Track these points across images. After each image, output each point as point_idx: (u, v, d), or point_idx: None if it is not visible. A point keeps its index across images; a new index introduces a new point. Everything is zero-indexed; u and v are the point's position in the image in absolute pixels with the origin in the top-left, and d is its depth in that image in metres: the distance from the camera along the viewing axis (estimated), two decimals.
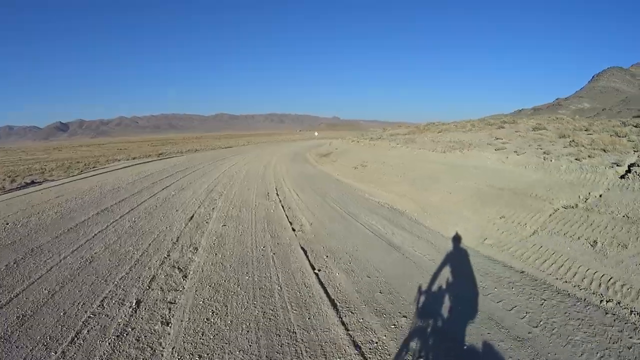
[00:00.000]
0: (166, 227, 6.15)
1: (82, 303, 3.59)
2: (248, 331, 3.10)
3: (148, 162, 19.57)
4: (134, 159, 22.02)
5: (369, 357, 2.78)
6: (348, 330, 3.14)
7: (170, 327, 3.19)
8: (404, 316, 3.35)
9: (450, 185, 8.48)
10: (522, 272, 4.22)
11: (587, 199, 5.77)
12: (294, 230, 6.07)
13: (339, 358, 2.77)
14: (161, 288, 3.94)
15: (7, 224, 6.56)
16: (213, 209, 7.53)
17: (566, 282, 3.93)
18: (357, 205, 7.95)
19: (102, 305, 3.55)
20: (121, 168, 16.58)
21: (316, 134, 69.73)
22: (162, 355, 2.80)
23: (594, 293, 3.64)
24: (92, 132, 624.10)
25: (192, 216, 6.91)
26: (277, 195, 8.99)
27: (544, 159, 9.10)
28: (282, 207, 7.71)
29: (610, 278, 3.83)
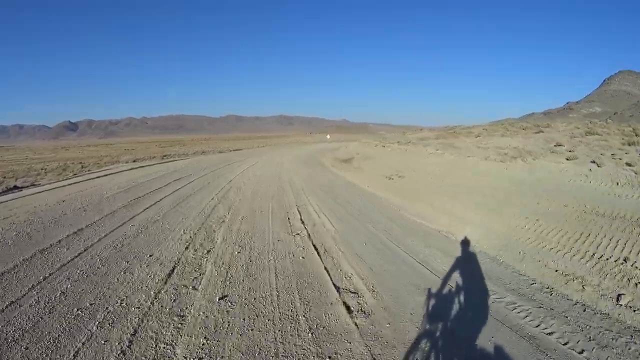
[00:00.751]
0: (120, 301, 3.45)
1: None
2: None
3: (149, 165, 17.17)
4: (134, 161, 19.60)
5: None
6: None
7: None
8: None
9: (531, 208, 6.07)
10: None
11: None
12: (348, 309, 3.35)
13: None
14: None
15: None
16: (208, 252, 4.83)
17: None
18: (414, 237, 5.42)
19: None
20: (115, 173, 14.14)
21: (328, 136, 67.80)
22: None
23: None
24: (101, 132, 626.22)
25: (172, 271, 4.20)
26: (302, 222, 6.27)
27: (635, 173, 6.93)
28: (314, 247, 5.00)
29: None
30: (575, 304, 3.54)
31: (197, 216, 6.71)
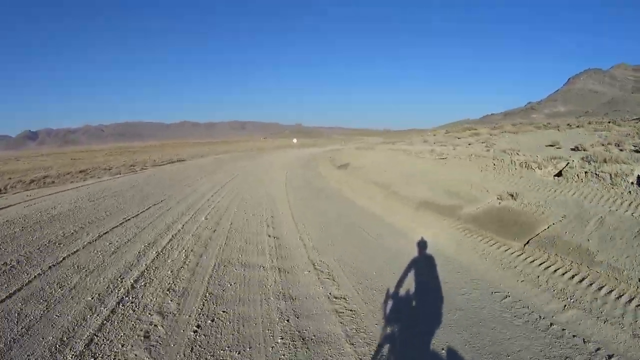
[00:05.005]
0: None
1: None
2: None
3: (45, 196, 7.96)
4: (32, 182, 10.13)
5: None
6: None
7: None
8: None
9: None
10: None
11: None
12: None
13: None
14: None
15: None
16: None
17: None
18: None
19: None
20: None
21: (295, 140, 63.15)
22: None
23: None
24: (60, 140, 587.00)
25: None
26: None
27: None
28: None
29: None
30: None
31: None
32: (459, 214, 5.47)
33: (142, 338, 2.71)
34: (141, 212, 6.67)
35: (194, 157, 25.28)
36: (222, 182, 10.88)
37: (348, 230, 5.55)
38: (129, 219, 6.17)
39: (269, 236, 5.19)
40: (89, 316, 2.99)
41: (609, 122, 13.80)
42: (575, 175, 5.68)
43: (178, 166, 17.90)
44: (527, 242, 4.50)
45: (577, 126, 13.08)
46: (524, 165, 6.38)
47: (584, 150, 7.18)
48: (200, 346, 2.64)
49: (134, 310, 3.09)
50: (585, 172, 5.64)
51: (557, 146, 8.09)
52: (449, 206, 5.87)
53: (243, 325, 2.91)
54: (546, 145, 8.45)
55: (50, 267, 4.04)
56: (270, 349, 2.61)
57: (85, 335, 2.71)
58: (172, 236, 5.16)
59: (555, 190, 5.49)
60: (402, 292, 3.56)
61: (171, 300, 3.28)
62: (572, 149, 7.64)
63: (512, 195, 5.34)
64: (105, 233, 5.34)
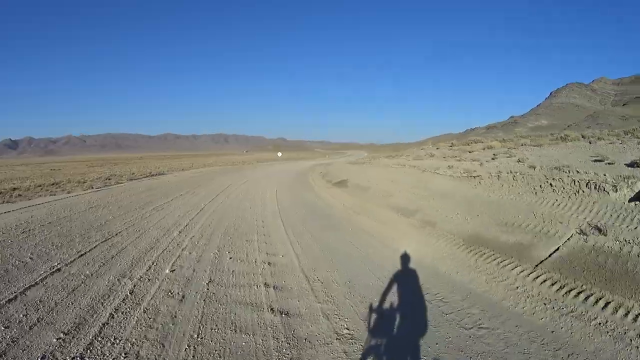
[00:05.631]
0: None
1: None
2: None
3: None
4: None
5: None
6: None
7: None
8: None
9: None
10: None
11: None
12: None
13: None
14: None
15: None
16: None
17: None
18: None
19: None
20: None
21: (279, 154, 62.92)
22: None
23: None
24: (41, 150, 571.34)
25: None
26: None
27: None
28: None
29: None
30: None
31: None
32: (533, 257, 3.99)
33: None
34: (80, 257, 4.77)
35: (175, 171, 23.43)
36: (200, 206, 9.05)
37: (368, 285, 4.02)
38: (58, 269, 4.28)
39: (270, 307, 3.49)
40: None
41: (626, 133, 12.82)
42: None
43: (155, 181, 15.98)
44: None
45: (598, 138, 12.03)
46: (591, 186, 5.03)
47: None
48: None
49: None
50: None
51: (607, 161, 6.83)
52: (512, 244, 4.37)
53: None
54: (593, 160, 7.19)
55: None
56: None
57: None
58: (110, 314, 3.19)
59: None
60: None
61: None
62: (628, 165, 6.40)
63: (600, 230, 3.95)
64: (11, 300, 3.43)
